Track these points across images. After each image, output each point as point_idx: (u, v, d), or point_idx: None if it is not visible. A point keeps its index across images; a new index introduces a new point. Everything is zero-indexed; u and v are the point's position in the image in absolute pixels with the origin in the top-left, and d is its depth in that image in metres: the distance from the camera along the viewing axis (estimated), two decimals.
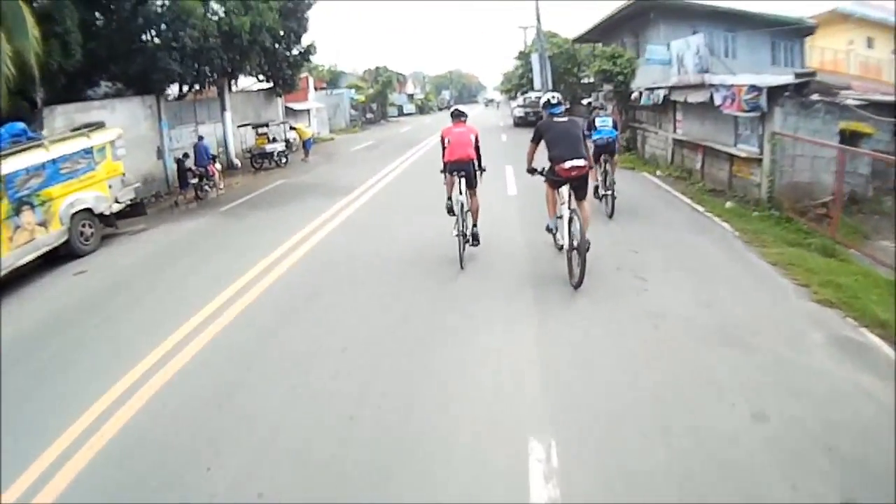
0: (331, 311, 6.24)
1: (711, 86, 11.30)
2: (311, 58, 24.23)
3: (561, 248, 6.96)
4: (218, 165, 16.18)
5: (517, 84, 34.42)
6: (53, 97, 14.09)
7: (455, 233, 7.28)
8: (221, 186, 16.20)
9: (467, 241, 7.41)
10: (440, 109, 79.43)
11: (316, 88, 35.57)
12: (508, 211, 10.21)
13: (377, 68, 60.59)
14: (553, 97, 7.11)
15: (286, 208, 12.43)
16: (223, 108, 21.24)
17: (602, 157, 9.84)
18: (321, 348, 5.25)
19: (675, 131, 14.33)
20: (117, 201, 11.47)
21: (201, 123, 20.02)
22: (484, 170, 7.78)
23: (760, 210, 9.92)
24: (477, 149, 7.47)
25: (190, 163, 15.41)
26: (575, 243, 6.17)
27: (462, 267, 7.26)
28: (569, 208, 6.38)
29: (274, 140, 21.49)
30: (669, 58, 14.55)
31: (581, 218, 6.22)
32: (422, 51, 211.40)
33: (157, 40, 16.20)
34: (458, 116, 7.78)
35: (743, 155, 10.88)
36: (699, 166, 12.77)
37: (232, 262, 8.37)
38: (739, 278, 6.63)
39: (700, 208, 10.25)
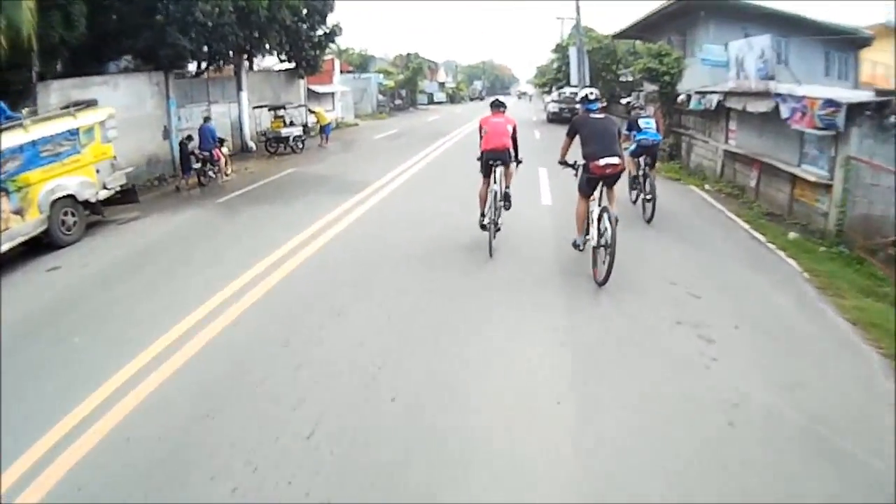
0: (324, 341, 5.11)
1: (777, 95, 9.89)
2: (337, 39, 23.00)
3: (578, 246, 6.88)
4: (225, 149, 15.15)
5: (553, 78, 32.68)
6: (63, 72, 13.24)
7: (486, 220, 7.38)
8: (228, 172, 15.22)
9: (497, 230, 7.51)
10: (472, 99, 77.87)
11: (342, 71, 34.37)
12: (542, 229, 8.97)
13: (408, 54, 59.33)
14: (591, 93, 7.00)
15: (292, 204, 11.29)
16: (239, 88, 20.22)
17: (644, 159, 9.46)
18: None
19: (726, 142, 12.92)
20: (105, 187, 10.48)
21: (214, 103, 19.07)
22: (521, 161, 7.92)
23: (827, 245, 8.56)
24: (514, 139, 7.59)
25: (195, 146, 14.40)
26: (604, 241, 6.13)
27: (491, 255, 7.31)
28: (599, 205, 6.47)
29: (291, 124, 20.39)
30: (726, 59, 13.08)
31: (611, 212, 6.16)
32: (456, 40, 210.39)
33: (170, 14, 15.21)
34: (497, 107, 7.87)
35: (810, 178, 9.46)
36: (754, 184, 11.38)
37: (221, 265, 7.46)
38: (819, 344, 5.36)
39: (759, 236, 8.91)
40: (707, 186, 12.64)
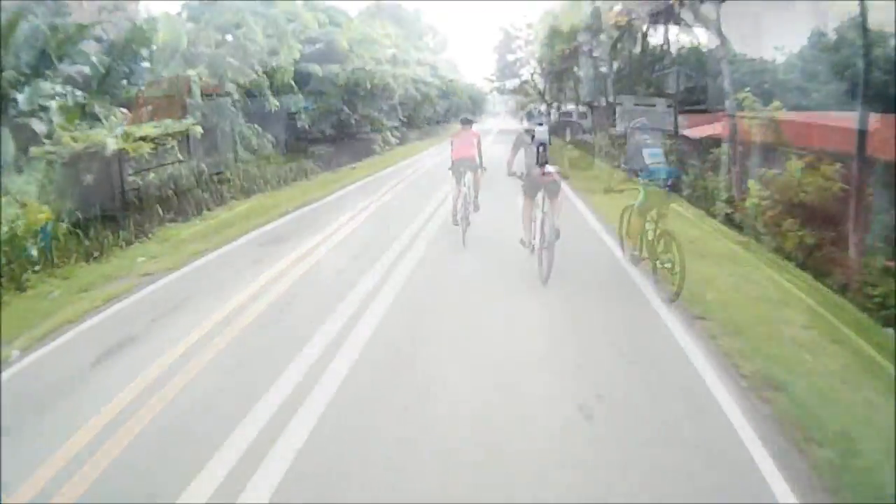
0: None
1: None
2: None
3: (532, 249, 7.31)
4: None
5: (553, 88, 17.66)
6: None
7: (459, 216, 8.64)
8: None
9: (469, 224, 8.71)
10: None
11: None
12: None
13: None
14: (535, 109, 9.57)
15: None
16: None
17: (657, 210, 6.76)
18: None
19: None
20: None
21: None
22: (484, 169, 9.19)
23: None
24: (479, 148, 9.03)
25: None
26: (546, 243, 6.78)
27: (464, 244, 8.46)
28: (542, 211, 7.03)
29: None
30: None
31: (552, 220, 6.81)
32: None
33: None
34: (465, 123, 9.39)
35: None
36: None
37: None
38: None
39: None
40: None
